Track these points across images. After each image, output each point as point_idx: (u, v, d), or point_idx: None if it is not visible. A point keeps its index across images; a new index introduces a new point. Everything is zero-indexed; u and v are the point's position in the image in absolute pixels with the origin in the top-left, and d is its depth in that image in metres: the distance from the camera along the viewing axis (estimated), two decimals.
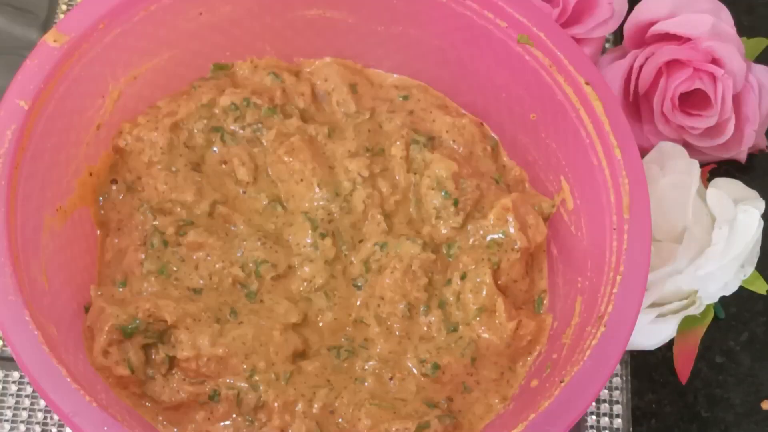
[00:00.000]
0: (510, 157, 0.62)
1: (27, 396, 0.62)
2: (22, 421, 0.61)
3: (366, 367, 0.55)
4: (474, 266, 0.56)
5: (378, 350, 0.55)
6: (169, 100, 0.60)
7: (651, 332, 0.59)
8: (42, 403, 0.62)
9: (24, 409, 0.62)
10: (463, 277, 0.56)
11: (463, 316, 0.56)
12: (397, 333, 0.56)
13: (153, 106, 0.60)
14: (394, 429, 0.51)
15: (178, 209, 0.57)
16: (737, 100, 0.66)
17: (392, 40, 0.62)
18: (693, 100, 0.65)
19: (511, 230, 0.57)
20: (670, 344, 0.62)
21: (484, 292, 0.55)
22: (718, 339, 0.67)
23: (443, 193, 0.58)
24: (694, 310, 0.60)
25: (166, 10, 0.57)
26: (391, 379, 0.54)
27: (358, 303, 0.57)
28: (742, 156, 0.68)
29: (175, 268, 0.55)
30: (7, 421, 0.61)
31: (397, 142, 0.59)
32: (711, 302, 0.60)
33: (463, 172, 0.58)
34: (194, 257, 0.56)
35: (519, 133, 0.60)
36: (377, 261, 0.57)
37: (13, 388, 0.62)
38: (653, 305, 0.59)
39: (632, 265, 0.50)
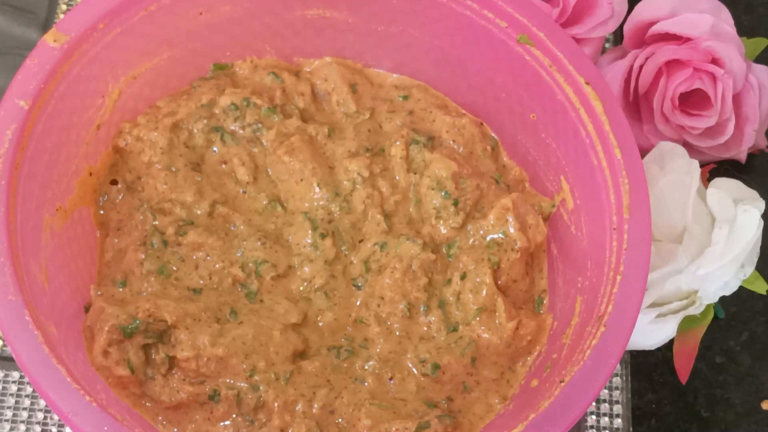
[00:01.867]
0: (510, 157, 0.62)
1: (27, 396, 0.62)
2: (22, 421, 0.61)
3: (366, 367, 0.55)
4: (474, 266, 0.56)
5: (378, 350, 0.55)
6: (169, 100, 0.60)
7: (651, 332, 0.59)
8: (42, 403, 0.62)
9: (24, 409, 0.62)
10: (463, 277, 0.56)
11: (463, 316, 0.56)
12: (397, 333, 0.56)
13: (153, 106, 0.60)
14: (394, 429, 0.51)
15: (178, 209, 0.57)
16: (737, 100, 0.66)
17: (392, 40, 0.62)
18: (693, 100, 0.65)
19: (511, 230, 0.57)
20: (670, 344, 0.62)
21: (484, 292, 0.55)
22: (718, 339, 0.67)
23: (443, 193, 0.58)
24: (694, 310, 0.60)
25: (166, 10, 0.57)
26: (391, 379, 0.54)
27: (358, 303, 0.57)
28: (742, 156, 0.68)
29: (175, 268, 0.55)
30: (7, 421, 0.61)
31: (397, 142, 0.59)
32: (711, 302, 0.60)
33: (463, 172, 0.58)
34: (194, 257, 0.56)
35: (519, 133, 0.60)
36: (377, 261, 0.57)
37: (13, 388, 0.62)
38: (653, 305, 0.59)
39: (632, 265, 0.50)
